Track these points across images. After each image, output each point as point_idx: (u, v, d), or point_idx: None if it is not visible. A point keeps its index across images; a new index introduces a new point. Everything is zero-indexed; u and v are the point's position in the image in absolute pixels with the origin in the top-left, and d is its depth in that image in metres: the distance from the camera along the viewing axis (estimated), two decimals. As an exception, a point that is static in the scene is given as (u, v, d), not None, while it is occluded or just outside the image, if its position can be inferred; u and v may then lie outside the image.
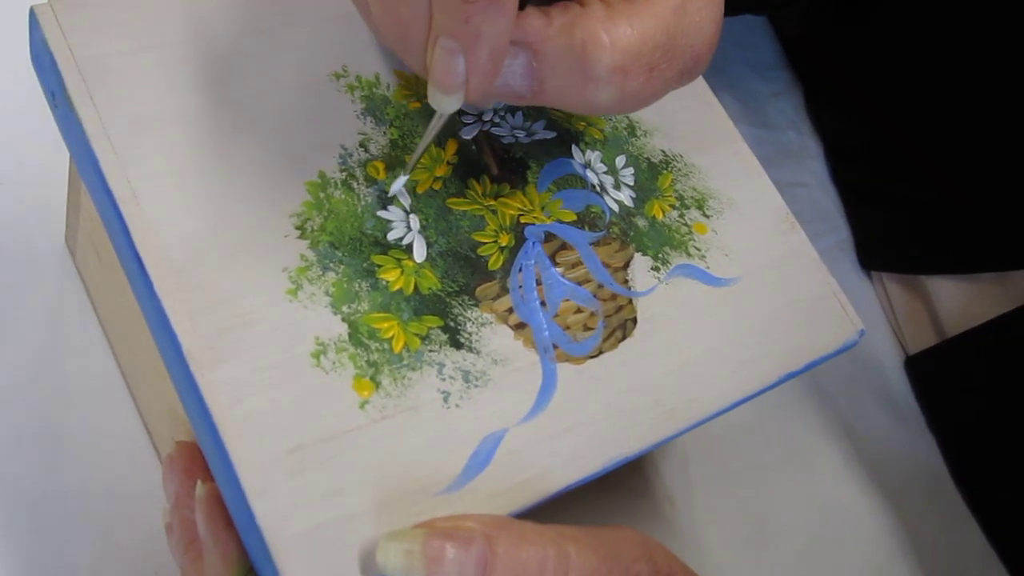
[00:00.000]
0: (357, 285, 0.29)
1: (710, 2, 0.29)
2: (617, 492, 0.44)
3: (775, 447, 0.49)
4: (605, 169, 0.35)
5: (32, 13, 0.30)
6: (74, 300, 0.39)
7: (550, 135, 0.35)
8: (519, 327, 0.31)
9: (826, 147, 0.61)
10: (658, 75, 0.28)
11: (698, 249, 0.35)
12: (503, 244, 0.32)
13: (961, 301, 0.51)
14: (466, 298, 0.31)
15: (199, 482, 0.29)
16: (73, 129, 0.29)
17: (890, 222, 0.56)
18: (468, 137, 0.33)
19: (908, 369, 0.55)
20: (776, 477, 0.49)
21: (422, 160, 0.32)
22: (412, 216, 0.31)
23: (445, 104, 0.27)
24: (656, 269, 0.34)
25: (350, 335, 0.28)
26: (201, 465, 0.30)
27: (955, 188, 0.52)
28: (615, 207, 0.35)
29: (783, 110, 0.61)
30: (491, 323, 0.31)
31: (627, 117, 0.37)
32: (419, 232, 0.31)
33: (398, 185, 0.31)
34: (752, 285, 0.36)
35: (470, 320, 0.30)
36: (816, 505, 0.49)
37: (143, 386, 0.37)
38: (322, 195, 0.30)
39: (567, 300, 0.32)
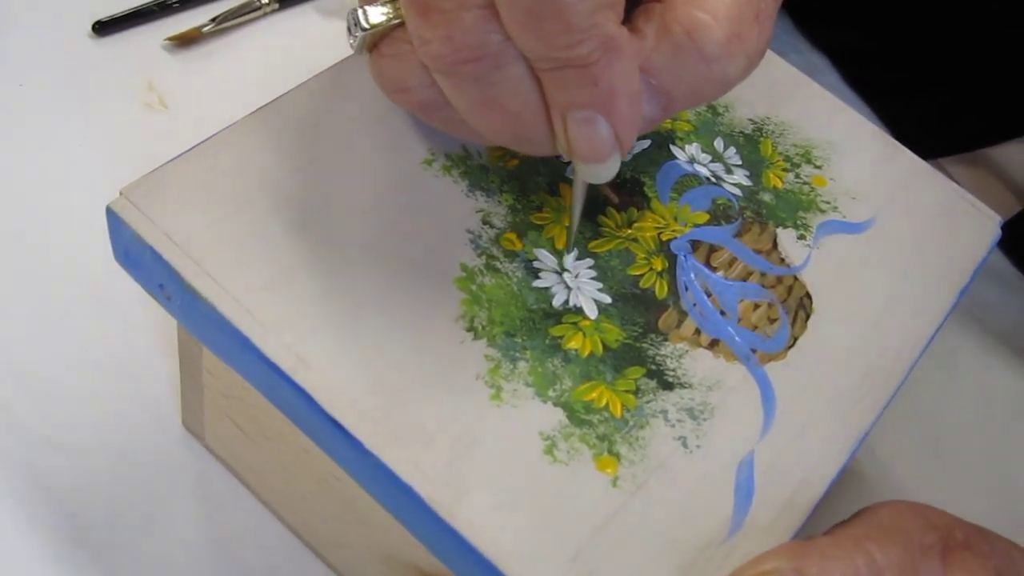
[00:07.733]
0: (551, 364, 0.28)
1: None
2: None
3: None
4: (710, 158, 0.34)
5: (110, 211, 0.28)
6: (218, 483, 0.36)
7: (645, 144, 0.33)
8: (713, 344, 0.29)
9: (830, 58, 0.60)
10: (765, 17, 0.27)
11: (827, 203, 0.34)
12: (658, 269, 0.30)
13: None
14: (653, 336, 0.29)
15: None
16: (201, 314, 0.27)
17: (930, 107, 0.55)
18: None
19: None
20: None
21: (545, 213, 0.31)
22: (565, 275, 0.29)
23: (603, 172, 0.26)
24: (802, 237, 0.33)
25: (569, 417, 0.27)
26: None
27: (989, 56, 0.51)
28: (737, 191, 0.33)
29: (775, 35, 0.60)
30: (687, 351, 0.29)
31: (703, 99, 0.36)
32: (578, 288, 0.29)
33: (571, 261, 0.29)
34: (889, 218, 0.35)
35: (667, 356, 0.29)
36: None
37: (336, 542, 0.34)
38: (474, 287, 0.28)
39: (742, 300, 0.31)
